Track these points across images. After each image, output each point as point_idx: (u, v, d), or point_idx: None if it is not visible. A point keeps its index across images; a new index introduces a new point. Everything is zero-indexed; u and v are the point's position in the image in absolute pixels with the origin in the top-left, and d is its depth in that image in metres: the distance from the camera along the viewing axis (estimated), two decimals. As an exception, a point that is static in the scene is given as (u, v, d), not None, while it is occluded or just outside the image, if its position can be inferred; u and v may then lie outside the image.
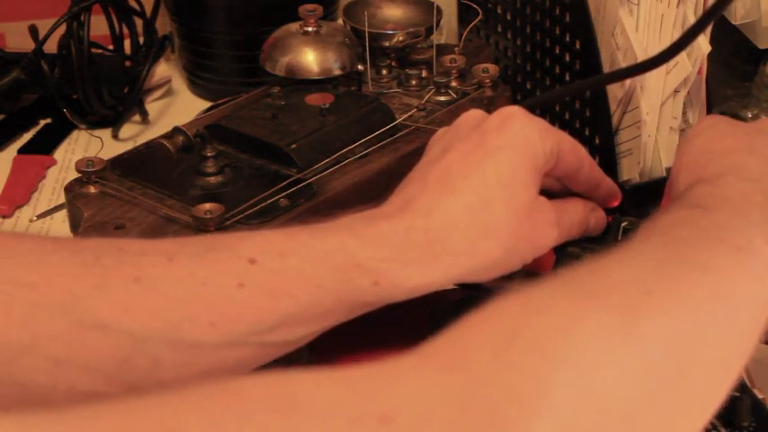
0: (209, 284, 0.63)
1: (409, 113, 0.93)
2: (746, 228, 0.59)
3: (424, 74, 0.98)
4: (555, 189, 0.76)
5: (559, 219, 0.71)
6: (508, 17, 1.05)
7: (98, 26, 1.09)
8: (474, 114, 0.73)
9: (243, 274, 0.64)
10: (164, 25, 1.17)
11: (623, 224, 0.78)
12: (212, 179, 0.87)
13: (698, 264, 0.56)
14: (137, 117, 1.13)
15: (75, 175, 0.88)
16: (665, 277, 0.55)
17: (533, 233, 0.69)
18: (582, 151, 0.74)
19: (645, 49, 0.91)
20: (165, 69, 1.16)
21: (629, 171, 0.95)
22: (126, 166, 0.89)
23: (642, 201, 0.91)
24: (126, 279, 0.63)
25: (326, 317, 0.66)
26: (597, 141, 0.96)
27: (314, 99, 0.93)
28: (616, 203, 0.79)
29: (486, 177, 0.68)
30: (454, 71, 0.97)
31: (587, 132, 0.98)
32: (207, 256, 0.65)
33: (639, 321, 0.52)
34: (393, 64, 0.99)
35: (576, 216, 0.74)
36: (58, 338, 0.60)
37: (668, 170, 0.95)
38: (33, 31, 1.09)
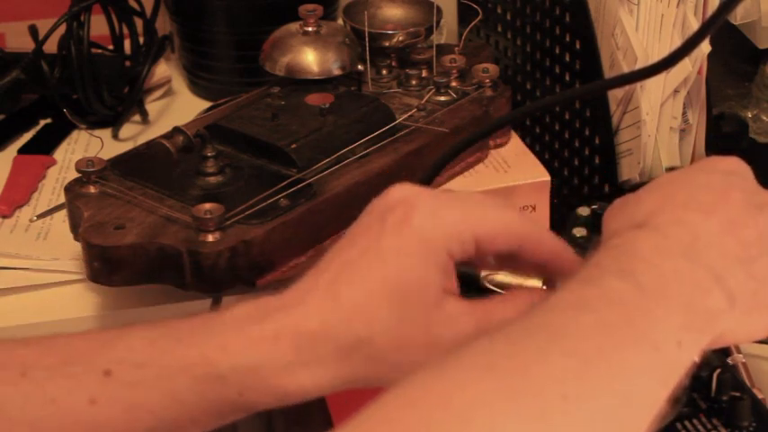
0: (60, 402, 0.61)
1: (409, 113, 0.93)
2: (668, 324, 0.59)
3: (424, 74, 0.98)
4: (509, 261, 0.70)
5: (479, 319, 0.65)
6: (508, 17, 1.05)
7: (98, 26, 1.09)
8: (391, 196, 0.66)
9: (96, 389, 0.61)
10: (164, 25, 1.17)
11: None
12: (212, 179, 0.87)
13: (616, 367, 0.56)
14: (137, 117, 1.13)
15: (75, 175, 0.88)
16: (584, 378, 0.55)
17: (428, 339, 0.64)
18: (521, 228, 0.66)
19: (645, 49, 0.91)
20: (165, 69, 1.16)
21: (629, 171, 0.95)
22: (126, 166, 0.89)
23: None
24: None
25: (193, 425, 0.63)
26: (597, 141, 0.96)
27: (314, 99, 0.93)
28: None
29: (371, 288, 0.63)
30: (454, 71, 0.97)
31: (587, 132, 0.98)
32: (61, 371, 0.62)
33: (553, 430, 0.53)
34: (393, 64, 0.99)
35: (509, 314, 0.65)
36: None
37: (668, 170, 0.95)
38: (33, 31, 1.09)
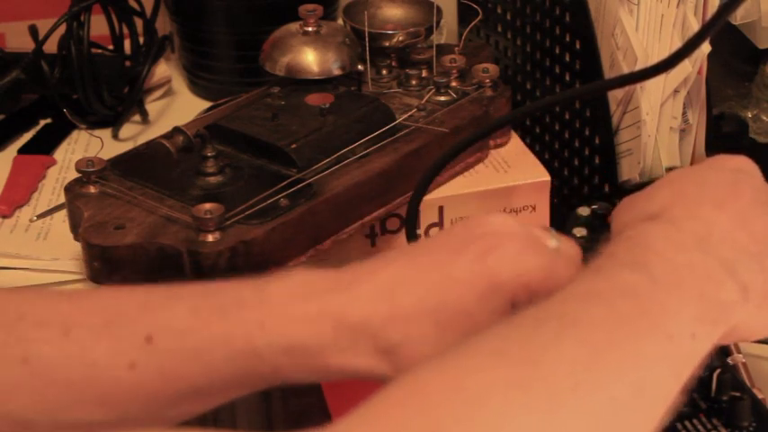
0: (100, 365, 0.62)
1: (409, 113, 0.93)
2: (682, 315, 0.59)
3: (424, 74, 0.98)
4: None
5: None
6: (508, 17, 1.05)
7: (98, 26, 1.09)
8: (486, 224, 0.65)
9: (136, 354, 0.62)
10: (164, 25, 1.17)
11: None
12: (212, 179, 0.87)
13: (629, 356, 0.56)
14: (137, 117, 1.13)
15: (75, 175, 0.88)
16: (595, 367, 0.55)
17: None
18: (559, 278, 0.65)
19: (645, 49, 0.91)
20: (165, 69, 1.16)
21: (630, 171, 0.95)
22: (126, 166, 0.89)
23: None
24: (13, 360, 0.61)
25: (225, 393, 0.64)
26: (597, 141, 0.96)
27: (314, 99, 0.93)
28: None
29: (425, 308, 0.62)
30: (454, 71, 0.97)
31: (587, 132, 0.97)
32: (104, 332, 0.62)
33: (564, 421, 0.52)
34: (393, 64, 0.99)
35: None
36: None
37: (668, 170, 0.95)
38: (33, 31, 1.09)
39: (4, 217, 0.99)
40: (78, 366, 0.62)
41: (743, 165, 0.69)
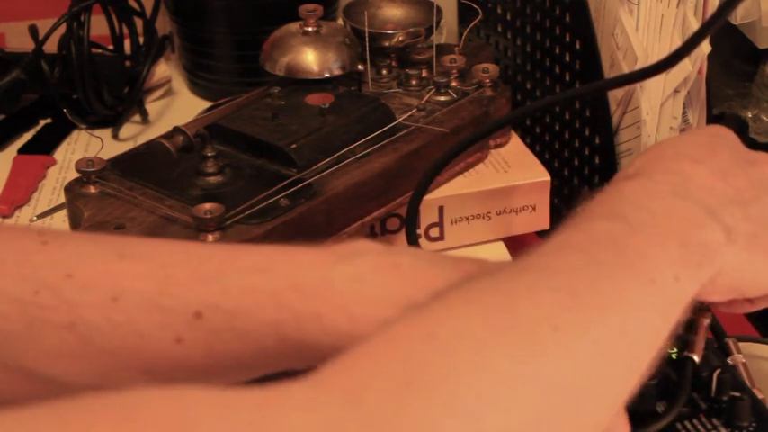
0: (147, 338, 0.60)
1: (409, 113, 0.93)
2: (663, 258, 0.58)
3: (424, 74, 0.98)
4: None
5: None
6: (508, 17, 1.05)
7: (98, 26, 1.09)
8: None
9: (183, 329, 0.60)
10: (164, 25, 1.17)
11: None
12: (212, 179, 0.87)
13: (609, 298, 0.55)
14: (137, 117, 1.13)
15: (75, 175, 0.88)
16: (575, 310, 0.53)
17: None
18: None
19: (645, 49, 0.91)
20: (165, 69, 1.16)
21: (629, 171, 0.95)
22: (126, 166, 0.89)
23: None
24: (59, 325, 0.60)
25: (268, 368, 0.63)
26: (597, 141, 0.96)
27: (314, 99, 0.93)
28: None
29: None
30: (454, 71, 0.97)
31: (587, 132, 0.98)
32: (154, 301, 0.60)
33: (545, 365, 0.51)
34: (393, 64, 0.99)
35: None
36: None
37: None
38: (33, 31, 1.09)
39: (4, 217, 0.99)
40: (125, 336, 0.60)
41: (719, 131, 0.69)
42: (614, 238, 0.58)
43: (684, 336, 0.73)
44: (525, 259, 0.57)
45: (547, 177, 0.95)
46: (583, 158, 0.99)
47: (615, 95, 0.94)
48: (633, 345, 0.55)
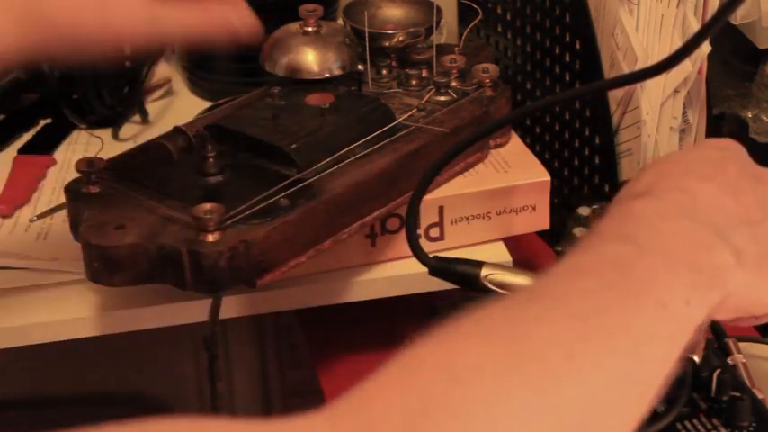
0: None
1: (409, 113, 0.93)
2: (674, 283, 0.58)
3: (424, 74, 0.98)
4: None
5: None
6: (508, 17, 1.05)
7: (98, 26, 1.09)
8: None
9: None
10: (164, 25, 1.17)
11: None
12: (212, 179, 0.87)
13: (621, 322, 0.55)
14: (137, 117, 1.13)
15: (75, 175, 0.88)
16: (588, 337, 0.54)
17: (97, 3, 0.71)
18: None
19: (645, 49, 0.91)
20: (165, 69, 1.16)
21: (630, 171, 0.95)
22: (126, 166, 0.89)
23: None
24: None
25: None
26: (597, 141, 0.96)
27: (314, 99, 0.93)
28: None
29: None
30: (454, 71, 0.97)
31: (587, 132, 0.98)
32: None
33: (560, 394, 0.51)
34: (393, 64, 0.99)
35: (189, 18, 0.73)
36: None
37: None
38: (33, 31, 1.09)
39: (4, 217, 0.99)
40: None
41: (728, 144, 0.68)
42: (625, 261, 0.58)
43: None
44: (539, 285, 0.57)
45: (547, 177, 0.95)
46: (583, 158, 0.99)
47: (615, 95, 0.94)
48: (645, 370, 0.56)
